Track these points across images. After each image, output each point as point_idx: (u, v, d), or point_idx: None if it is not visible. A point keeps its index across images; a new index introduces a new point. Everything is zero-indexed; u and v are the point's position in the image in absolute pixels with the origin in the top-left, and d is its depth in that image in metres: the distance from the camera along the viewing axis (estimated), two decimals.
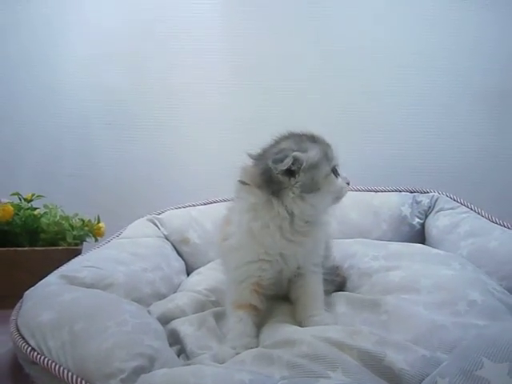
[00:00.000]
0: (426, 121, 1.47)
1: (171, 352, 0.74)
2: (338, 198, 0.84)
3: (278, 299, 0.90)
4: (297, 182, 0.79)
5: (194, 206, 1.35)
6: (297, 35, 1.48)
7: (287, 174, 0.78)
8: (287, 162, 0.77)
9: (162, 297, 1.02)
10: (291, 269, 0.85)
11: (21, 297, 0.87)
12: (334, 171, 0.82)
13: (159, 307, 0.93)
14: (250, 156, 0.85)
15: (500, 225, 1.13)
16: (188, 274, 1.22)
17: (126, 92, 1.50)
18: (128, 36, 1.49)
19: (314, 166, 0.79)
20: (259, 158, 0.83)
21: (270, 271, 0.84)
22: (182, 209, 1.33)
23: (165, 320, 0.89)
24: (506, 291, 0.92)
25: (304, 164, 0.78)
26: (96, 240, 1.28)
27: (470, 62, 1.45)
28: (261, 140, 1.40)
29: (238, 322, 0.81)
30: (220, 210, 1.33)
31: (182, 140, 1.51)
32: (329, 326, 0.78)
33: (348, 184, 0.85)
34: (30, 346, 0.71)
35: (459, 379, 0.55)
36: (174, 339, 0.83)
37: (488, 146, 1.46)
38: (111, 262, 1.02)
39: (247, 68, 1.49)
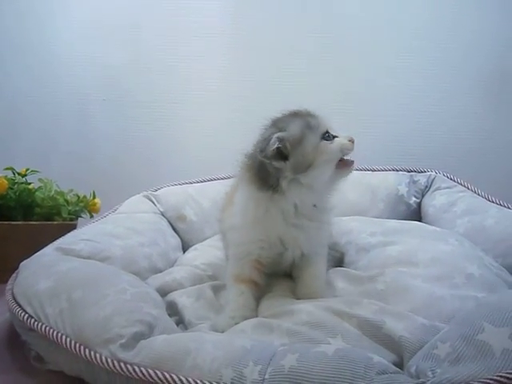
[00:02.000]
0: (425, 104, 1.47)
1: (170, 321, 0.74)
2: (342, 166, 0.80)
3: (278, 275, 0.89)
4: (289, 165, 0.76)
5: (190, 183, 1.35)
6: (297, 20, 1.46)
7: (281, 159, 0.76)
8: (272, 145, 0.74)
9: (158, 271, 1.02)
10: (293, 254, 0.84)
11: (15, 271, 0.85)
12: (326, 137, 0.78)
13: (157, 280, 0.93)
14: (246, 156, 0.82)
15: (496, 203, 1.14)
16: (184, 251, 1.21)
17: (123, 68, 1.48)
18: (127, 10, 1.46)
19: (298, 141, 0.76)
20: (252, 156, 0.80)
21: (269, 252, 0.83)
22: (179, 186, 1.33)
23: (162, 292, 0.88)
24: (502, 267, 0.93)
25: (290, 140, 0.75)
26: (91, 216, 1.27)
27: (469, 45, 1.44)
28: (259, 119, 1.41)
29: (238, 295, 0.81)
30: (217, 187, 1.34)
31: (180, 117, 1.50)
32: (328, 298, 0.77)
33: (352, 141, 0.80)
34: (26, 313, 0.70)
35: (460, 343, 0.55)
36: (173, 310, 0.83)
37: (487, 130, 1.46)
38: (108, 235, 1.01)
39: (248, 47, 1.48)
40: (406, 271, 0.85)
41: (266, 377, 0.55)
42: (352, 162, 0.81)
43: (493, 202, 1.15)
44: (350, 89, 1.47)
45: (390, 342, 0.65)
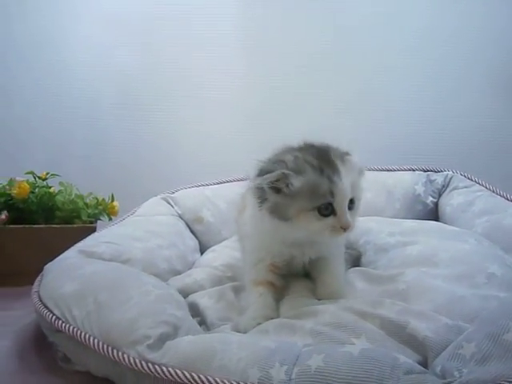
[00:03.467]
0: (438, 100, 1.46)
1: (194, 322, 0.75)
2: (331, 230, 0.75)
3: (297, 276, 0.89)
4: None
5: (207, 185, 1.35)
6: (308, 14, 1.46)
7: (274, 191, 0.74)
8: (271, 177, 0.72)
9: (177, 274, 1.02)
10: (303, 260, 0.85)
11: (37, 274, 0.87)
12: (323, 209, 0.73)
13: (177, 282, 0.94)
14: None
15: None
16: (202, 253, 1.22)
17: (137, 73, 1.50)
18: (138, 14, 1.48)
19: (294, 193, 0.73)
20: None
21: (281, 258, 0.84)
22: (195, 188, 1.34)
23: (183, 294, 0.89)
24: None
25: (289, 186, 0.72)
26: (110, 219, 1.28)
27: (478, 41, 1.43)
28: (272, 122, 1.42)
29: (259, 297, 0.81)
30: (233, 189, 1.35)
31: (195, 120, 1.51)
32: (350, 299, 0.78)
33: (344, 228, 0.73)
34: (54, 315, 0.72)
35: (486, 343, 0.55)
36: (194, 312, 0.84)
37: (500, 125, 1.45)
38: (127, 238, 1.03)
39: (260, 52, 1.48)
40: (426, 271, 0.85)
41: (293, 377, 0.55)
42: (343, 230, 0.74)
43: (511, 200, 1.14)
44: (364, 89, 1.46)
45: (413, 342, 0.65)
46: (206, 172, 1.44)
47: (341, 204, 0.73)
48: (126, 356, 0.62)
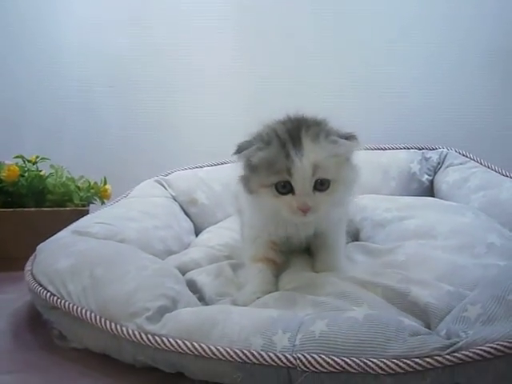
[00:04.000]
0: (434, 81, 1.45)
1: (192, 296, 0.73)
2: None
3: (296, 252, 0.88)
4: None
5: (201, 167, 1.34)
6: (301, 9, 1.44)
7: (249, 168, 0.73)
8: (246, 155, 0.71)
9: (173, 255, 1.01)
10: (301, 236, 0.81)
11: (28, 258, 0.84)
12: (280, 187, 0.70)
13: (174, 261, 0.92)
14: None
15: (510, 177, 1.13)
16: (196, 235, 1.20)
17: (130, 53, 1.46)
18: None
19: (253, 168, 0.71)
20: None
21: (278, 235, 0.82)
22: (189, 170, 1.32)
23: (180, 272, 0.87)
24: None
25: (259, 161, 0.70)
26: (102, 202, 1.26)
27: (474, 22, 1.42)
28: (268, 105, 1.40)
29: (258, 273, 0.79)
30: (228, 171, 1.33)
31: (188, 102, 1.48)
32: (351, 270, 0.77)
33: (303, 211, 0.69)
34: (48, 291, 0.70)
35: (491, 304, 0.55)
36: (192, 289, 0.81)
37: (497, 106, 1.44)
38: (122, 219, 1.01)
39: (257, 29, 1.46)
40: (425, 243, 0.85)
41: (297, 343, 0.54)
42: (301, 212, 0.70)
43: (506, 176, 1.14)
44: (357, 70, 1.45)
45: (416, 309, 0.64)
46: (200, 156, 1.42)
47: (299, 183, 0.68)
48: (124, 329, 0.61)
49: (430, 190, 1.27)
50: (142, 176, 1.26)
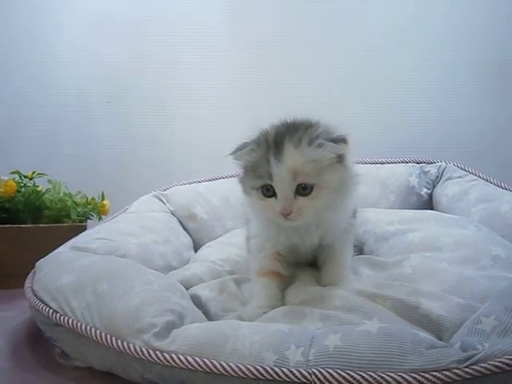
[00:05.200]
0: (432, 95, 1.47)
1: (198, 312, 0.72)
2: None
3: (303, 265, 0.87)
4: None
5: (199, 182, 1.33)
6: (301, 15, 1.46)
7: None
8: (241, 155, 0.74)
9: (173, 270, 0.99)
10: (306, 247, 0.81)
11: (26, 276, 0.82)
12: (264, 190, 0.72)
13: (176, 275, 0.91)
14: None
15: (509, 190, 1.13)
16: (195, 251, 1.19)
17: (126, 68, 1.46)
18: (130, 10, 1.45)
19: (245, 170, 0.76)
20: None
21: (283, 245, 0.81)
22: (188, 185, 1.31)
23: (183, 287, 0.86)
24: None
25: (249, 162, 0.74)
26: (100, 218, 1.24)
27: (467, 36, 1.44)
28: (266, 116, 1.40)
29: (264, 288, 0.78)
30: (226, 185, 1.33)
31: (186, 117, 1.48)
32: (358, 283, 0.76)
33: (283, 215, 0.70)
34: (51, 308, 0.68)
35: (506, 315, 0.54)
36: (196, 304, 0.80)
37: (489, 118, 1.46)
38: (122, 234, 0.99)
39: (251, 44, 1.47)
40: (431, 256, 0.84)
41: (310, 358, 0.53)
42: (282, 216, 0.70)
43: (506, 188, 1.15)
44: (355, 82, 1.46)
45: (427, 323, 0.64)
46: (199, 169, 1.41)
47: (279, 188, 0.70)
48: (131, 345, 0.59)
49: (428, 204, 1.28)
50: (140, 191, 1.24)
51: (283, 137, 0.71)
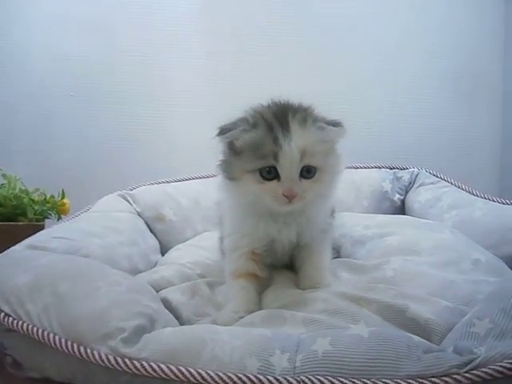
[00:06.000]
0: (400, 101, 1.48)
1: (170, 315, 0.66)
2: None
3: (280, 267, 0.83)
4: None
5: (168, 182, 1.27)
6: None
7: (232, 151, 0.69)
8: (230, 136, 0.68)
9: (139, 273, 0.93)
10: (284, 244, 0.77)
11: None
12: (265, 172, 0.67)
13: (143, 278, 0.84)
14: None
15: (481, 197, 1.14)
16: (162, 255, 1.12)
17: (92, 61, 1.38)
18: (94, 1, 1.38)
19: (237, 152, 0.68)
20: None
21: (259, 243, 0.77)
22: (156, 185, 1.25)
23: None
24: (497, 257, 0.92)
25: (245, 144, 0.67)
26: (59, 218, 1.16)
27: (439, 43, 1.46)
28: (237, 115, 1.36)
29: (240, 290, 0.73)
30: (197, 187, 1.28)
31: (155, 114, 1.41)
32: (340, 285, 0.72)
33: (288, 197, 0.66)
34: (2, 311, 0.60)
35: (501, 318, 0.52)
36: (167, 308, 0.74)
37: (459, 126, 1.48)
38: (83, 233, 0.92)
39: (224, 40, 1.42)
40: (411, 259, 0.82)
41: (298, 364, 0.49)
42: (286, 199, 0.67)
43: (477, 195, 1.15)
44: (329, 87, 1.45)
45: (414, 326, 0.60)
46: (167, 169, 1.35)
47: (285, 169, 0.66)
48: (96, 353, 0.52)
49: (401, 210, 1.27)
50: (105, 191, 1.17)
51: (286, 116, 0.67)
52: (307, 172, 0.68)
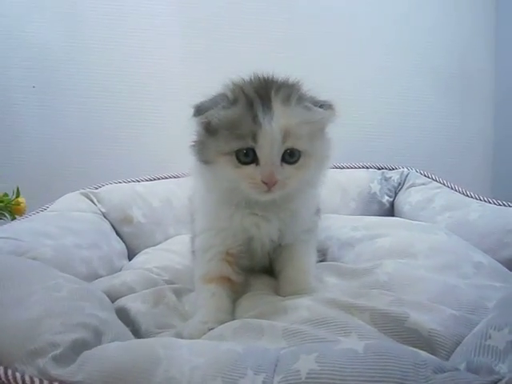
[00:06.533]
0: (392, 101, 1.40)
1: (123, 326, 0.55)
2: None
3: (258, 272, 0.73)
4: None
5: (138, 181, 1.16)
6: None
7: (207, 131, 0.61)
8: (208, 116, 0.59)
9: None
10: (262, 242, 0.68)
11: None
12: (242, 155, 0.59)
13: (101, 284, 0.73)
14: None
15: (476, 198, 1.06)
16: (130, 260, 1.01)
17: (57, 49, 1.27)
18: None
19: (212, 132, 0.60)
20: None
21: (234, 241, 0.67)
22: (125, 184, 1.13)
23: (109, 298, 0.68)
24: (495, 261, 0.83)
25: (222, 122, 0.59)
26: (13, 218, 1.03)
27: (433, 42, 1.40)
28: None
29: (210, 297, 0.63)
30: (169, 186, 1.17)
31: (124, 109, 1.30)
32: (327, 292, 0.62)
33: (268, 184, 0.58)
34: None
35: None
36: (124, 320, 0.63)
37: (452, 128, 1.41)
38: (34, 234, 0.81)
39: (201, 29, 1.32)
40: (406, 262, 0.73)
41: None
42: (265, 186, 0.59)
43: (472, 197, 1.07)
44: (321, 87, 1.36)
45: (415, 339, 0.51)
46: (138, 168, 1.24)
47: (265, 151, 0.58)
48: (18, 375, 0.41)
49: (390, 212, 1.19)
50: (67, 190, 1.06)
51: (268, 91, 0.60)
52: (290, 156, 0.60)
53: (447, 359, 0.47)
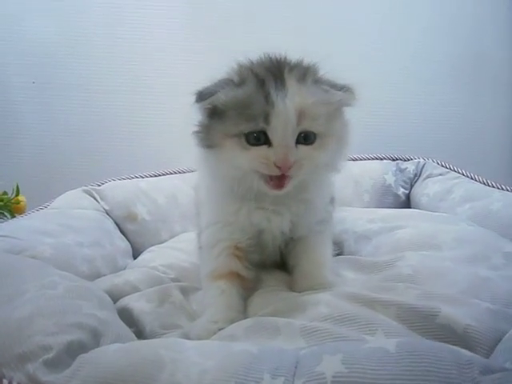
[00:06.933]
0: (406, 91, 1.35)
1: (125, 327, 0.50)
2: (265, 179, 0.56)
3: (270, 267, 0.68)
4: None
5: (142, 177, 1.12)
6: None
7: (211, 115, 0.57)
8: (211, 101, 0.55)
9: None
10: (273, 236, 0.64)
11: None
12: (253, 138, 0.54)
13: (103, 283, 0.69)
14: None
15: (497, 188, 1.00)
16: (135, 258, 0.97)
17: (57, 44, 1.23)
18: None
19: (218, 114, 0.56)
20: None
21: (243, 235, 0.63)
22: (128, 180, 1.09)
23: (111, 298, 0.64)
24: None
25: (228, 104, 0.55)
26: (13, 217, 0.99)
27: (441, 32, 1.35)
28: None
29: (219, 295, 0.59)
30: (174, 182, 1.13)
31: (126, 104, 1.26)
32: (347, 287, 0.57)
33: (282, 168, 0.53)
34: None
35: None
36: (127, 320, 0.58)
37: (465, 113, 1.36)
38: (34, 232, 0.77)
39: (205, 23, 1.28)
40: (430, 254, 0.68)
41: None
42: (277, 169, 0.54)
43: (493, 186, 1.01)
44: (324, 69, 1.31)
45: (448, 336, 0.46)
46: (141, 165, 1.20)
47: (278, 133, 0.53)
48: (5, 382, 0.36)
49: (406, 205, 1.13)
50: (68, 188, 1.02)
51: (281, 70, 0.55)
52: (305, 139, 0.55)
53: (487, 358, 0.41)
